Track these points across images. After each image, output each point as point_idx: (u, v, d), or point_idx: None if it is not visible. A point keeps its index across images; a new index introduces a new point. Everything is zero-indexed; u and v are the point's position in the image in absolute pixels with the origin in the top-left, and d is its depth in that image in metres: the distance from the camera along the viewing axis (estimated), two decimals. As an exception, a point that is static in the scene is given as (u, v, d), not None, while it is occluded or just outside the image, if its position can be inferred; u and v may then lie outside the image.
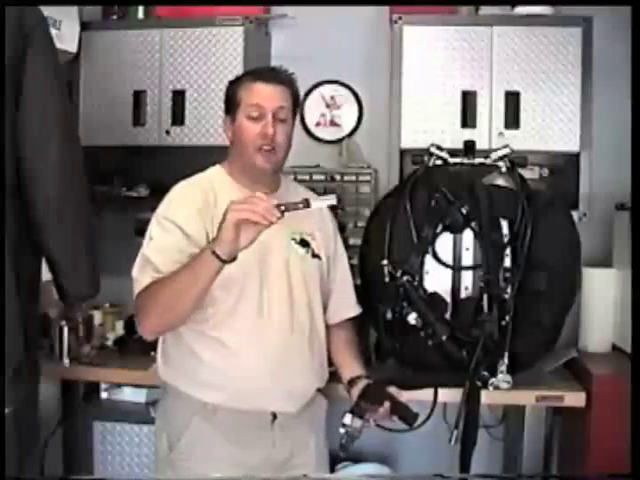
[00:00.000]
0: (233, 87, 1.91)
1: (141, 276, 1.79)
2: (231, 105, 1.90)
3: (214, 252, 1.63)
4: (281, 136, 1.85)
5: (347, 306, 2.08)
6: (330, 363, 2.02)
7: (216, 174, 1.93)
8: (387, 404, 1.88)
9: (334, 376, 2.03)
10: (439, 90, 2.54)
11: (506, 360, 2.05)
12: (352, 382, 1.96)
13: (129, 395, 2.58)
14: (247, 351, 1.82)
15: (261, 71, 1.96)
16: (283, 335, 1.85)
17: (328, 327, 2.01)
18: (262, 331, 1.84)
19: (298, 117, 2.74)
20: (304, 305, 1.90)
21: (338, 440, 1.87)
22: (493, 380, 2.05)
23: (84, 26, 2.67)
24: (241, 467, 1.82)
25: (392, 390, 1.92)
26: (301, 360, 1.88)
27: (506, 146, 2.16)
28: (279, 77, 1.89)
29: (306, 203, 1.66)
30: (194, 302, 1.73)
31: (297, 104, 1.95)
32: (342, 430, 1.85)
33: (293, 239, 1.91)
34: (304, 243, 1.93)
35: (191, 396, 1.84)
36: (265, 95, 1.85)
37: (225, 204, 1.84)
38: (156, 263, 1.77)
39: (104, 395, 2.61)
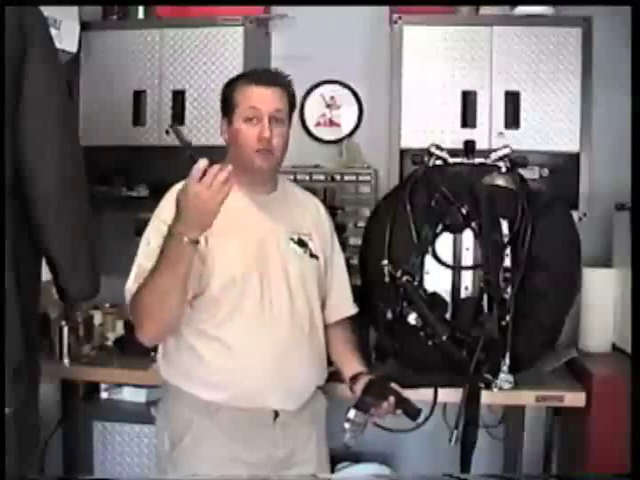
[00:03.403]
0: (228, 90, 1.92)
1: (132, 285, 1.78)
2: (227, 108, 1.90)
3: (191, 239, 1.61)
4: (278, 138, 1.86)
5: (345, 305, 2.08)
6: (330, 363, 2.02)
7: None
8: (392, 399, 1.88)
9: (334, 376, 2.03)
10: (439, 90, 2.54)
11: (507, 360, 2.05)
12: (354, 378, 1.96)
13: (129, 395, 2.58)
14: (249, 350, 1.83)
15: (256, 73, 1.96)
16: (283, 333, 1.86)
17: (327, 326, 2.02)
18: (263, 330, 1.84)
19: (298, 117, 2.78)
20: (303, 304, 1.91)
21: (340, 436, 1.87)
22: (496, 381, 2.05)
23: (84, 26, 2.66)
24: (243, 465, 1.82)
25: (394, 385, 1.93)
26: (301, 358, 1.89)
27: (506, 146, 2.16)
28: (274, 79, 1.90)
29: None
30: (183, 291, 1.71)
31: (293, 105, 1.95)
32: (347, 425, 1.86)
33: (291, 239, 1.92)
34: (302, 243, 1.94)
35: (193, 395, 1.84)
36: (261, 98, 1.85)
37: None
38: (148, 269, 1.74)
39: (104, 395, 2.62)
